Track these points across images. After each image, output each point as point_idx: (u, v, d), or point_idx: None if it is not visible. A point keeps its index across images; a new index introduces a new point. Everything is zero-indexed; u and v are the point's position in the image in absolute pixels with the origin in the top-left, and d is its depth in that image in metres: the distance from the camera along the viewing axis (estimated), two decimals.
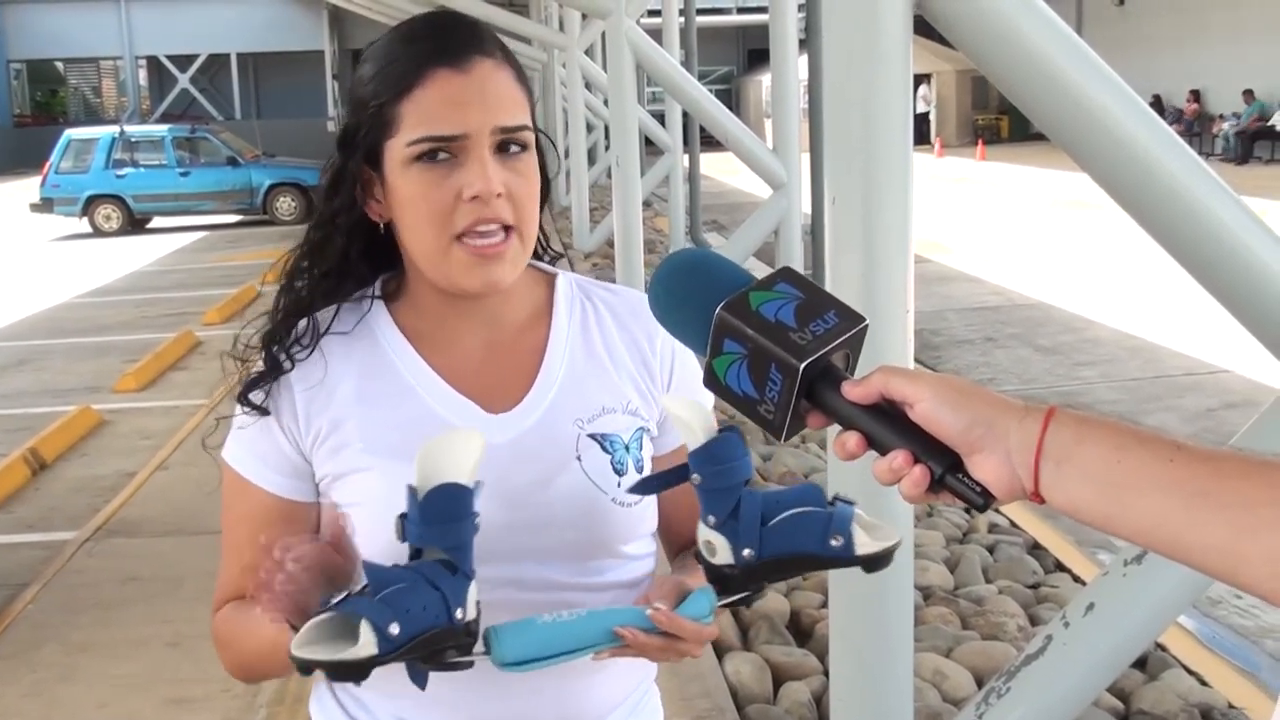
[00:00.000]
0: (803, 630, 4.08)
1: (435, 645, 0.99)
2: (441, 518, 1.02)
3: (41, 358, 9.44)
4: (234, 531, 1.30)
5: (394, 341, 1.28)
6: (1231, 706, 3.57)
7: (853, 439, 0.89)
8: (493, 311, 1.29)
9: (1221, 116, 23.96)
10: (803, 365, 0.88)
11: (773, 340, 0.90)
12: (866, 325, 0.93)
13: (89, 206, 18.59)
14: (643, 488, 1.14)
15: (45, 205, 18.59)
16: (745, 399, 0.92)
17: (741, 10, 37.91)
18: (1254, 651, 4.15)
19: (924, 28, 2.20)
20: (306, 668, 0.96)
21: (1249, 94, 23.55)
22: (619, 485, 1.25)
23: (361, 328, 1.28)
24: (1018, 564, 4.65)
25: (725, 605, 1.08)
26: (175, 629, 4.28)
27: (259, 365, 1.27)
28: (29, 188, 20.45)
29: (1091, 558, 4.84)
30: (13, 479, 6.11)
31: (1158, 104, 24.71)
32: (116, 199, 18.67)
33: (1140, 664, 3.78)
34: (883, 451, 0.88)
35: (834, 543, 1.02)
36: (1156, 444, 0.79)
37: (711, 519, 1.05)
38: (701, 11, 18.32)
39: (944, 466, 0.86)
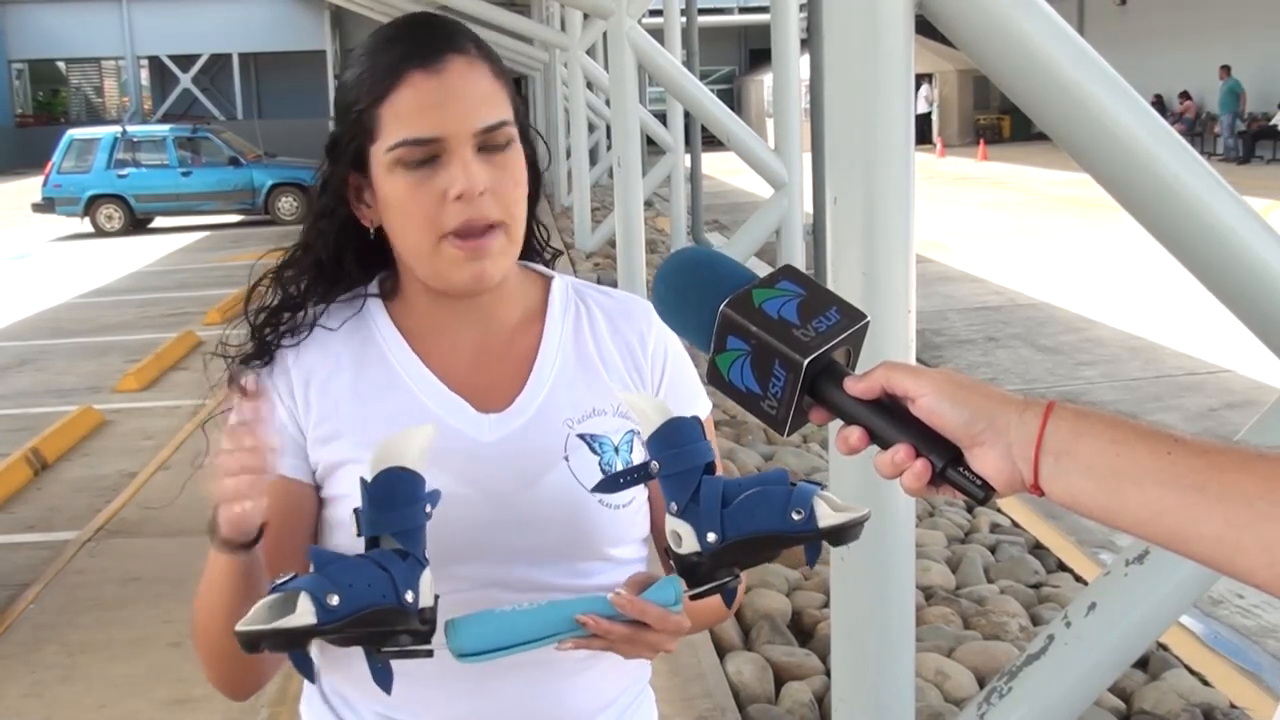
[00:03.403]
0: (804, 630, 4.07)
1: (383, 624, 1.00)
2: (388, 502, 1.03)
3: (43, 358, 9.45)
4: None
5: (390, 338, 1.29)
6: (1233, 706, 3.57)
7: (855, 433, 0.91)
8: (487, 312, 1.29)
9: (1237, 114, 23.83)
10: (806, 361, 0.90)
11: (776, 337, 0.91)
12: (868, 322, 0.95)
13: (91, 206, 18.60)
14: (606, 486, 1.13)
15: (47, 205, 18.61)
16: (749, 395, 0.93)
17: (743, 10, 37.92)
18: (1256, 651, 4.14)
19: (925, 27, 2.20)
20: (250, 641, 0.98)
21: (1225, 70, 23.44)
22: None
23: (358, 324, 1.29)
24: (1019, 564, 4.65)
25: (697, 595, 1.06)
26: (176, 629, 4.27)
27: (248, 350, 1.28)
28: (31, 188, 20.46)
29: (1093, 558, 4.83)
30: (14, 479, 6.12)
31: (1159, 103, 24.69)
32: (118, 199, 18.68)
33: (1142, 664, 3.78)
34: (885, 446, 0.90)
35: (795, 517, 1.01)
36: (1154, 438, 0.81)
37: (674, 506, 1.05)
38: (703, 11, 18.32)
39: (945, 460, 0.87)
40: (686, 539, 1.04)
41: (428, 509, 1.05)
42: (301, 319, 1.28)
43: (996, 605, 4.18)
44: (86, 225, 18.69)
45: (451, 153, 1.18)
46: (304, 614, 0.97)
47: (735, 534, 1.03)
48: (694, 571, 1.05)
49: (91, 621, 4.44)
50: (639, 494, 1.29)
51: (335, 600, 0.97)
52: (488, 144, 1.20)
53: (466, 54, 1.22)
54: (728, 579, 1.05)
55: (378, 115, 1.19)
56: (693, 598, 1.07)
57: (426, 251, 1.21)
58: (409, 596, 1.00)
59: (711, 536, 1.03)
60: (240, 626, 0.98)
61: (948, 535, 4.95)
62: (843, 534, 1.02)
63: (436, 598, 1.03)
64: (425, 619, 1.01)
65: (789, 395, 0.91)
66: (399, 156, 1.18)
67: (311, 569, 1.01)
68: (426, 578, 1.02)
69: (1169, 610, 2.24)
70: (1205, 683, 3.74)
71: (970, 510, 5.29)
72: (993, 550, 4.84)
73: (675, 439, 1.06)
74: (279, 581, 1.01)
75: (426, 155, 1.18)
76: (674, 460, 1.05)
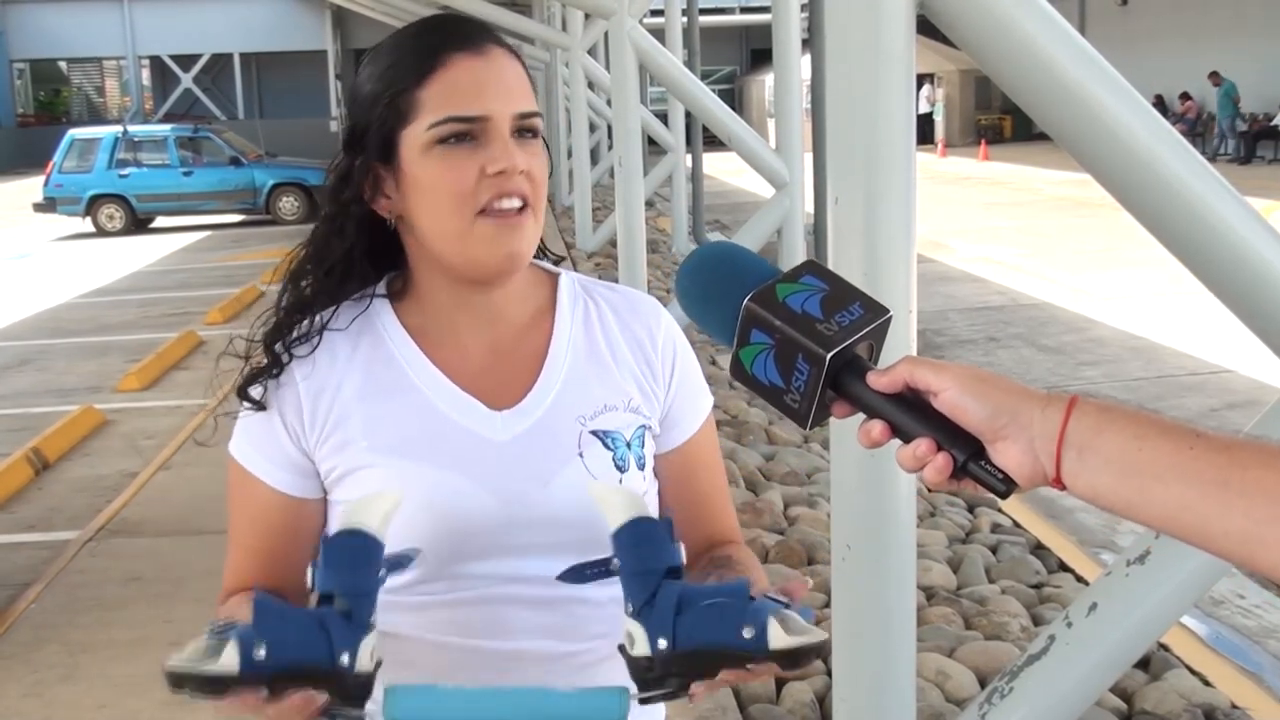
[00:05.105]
0: None
1: (310, 684, 0.97)
2: (341, 563, 1.02)
3: (44, 357, 9.45)
4: (239, 526, 1.32)
5: (399, 339, 1.29)
6: (1234, 707, 3.57)
7: (877, 427, 0.92)
8: (497, 309, 1.30)
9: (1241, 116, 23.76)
10: (830, 355, 0.91)
11: (800, 331, 0.92)
12: (891, 317, 0.95)
13: (92, 206, 18.59)
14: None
15: (48, 205, 18.60)
16: (771, 389, 0.94)
17: (744, 10, 37.88)
18: (1257, 652, 4.14)
19: (927, 27, 2.19)
20: (175, 680, 0.98)
21: (1215, 76, 23.38)
22: (620, 482, 1.25)
23: (366, 325, 1.29)
24: (1020, 564, 4.64)
25: (646, 700, 1.04)
26: (177, 629, 4.27)
27: (260, 361, 1.28)
28: (32, 187, 20.47)
29: (1094, 558, 4.83)
30: (15, 479, 6.11)
31: (1160, 104, 24.66)
32: (119, 199, 18.67)
33: (1143, 664, 3.78)
34: (906, 440, 0.90)
35: (746, 634, 0.99)
36: (1177, 433, 0.81)
37: (630, 606, 1.03)
38: (704, 11, 18.30)
39: (967, 454, 0.88)
40: (639, 642, 1.02)
41: (382, 573, 1.04)
42: (311, 324, 1.28)
43: (998, 605, 4.18)
44: (88, 225, 18.69)
45: (492, 133, 1.20)
46: (228, 662, 0.96)
47: (685, 644, 1.01)
48: (644, 676, 1.03)
49: (92, 621, 4.44)
50: (651, 488, 1.30)
51: (262, 653, 0.96)
52: (523, 130, 1.23)
53: (504, 47, 1.25)
54: (675, 689, 1.03)
55: (416, 97, 1.21)
56: (641, 702, 1.05)
57: (459, 231, 1.21)
58: (344, 659, 0.98)
59: (662, 643, 1.01)
60: (169, 664, 0.97)
61: (949, 535, 4.94)
62: (796, 658, 0.99)
63: (378, 663, 1.02)
64: (360, 682, 0.99)
65: (812, 389, 0.92)
66: (440, 134, 1.20)
67: (251, 615, 0.99)
68: (368, 642, 1.01)
69: (1170, 610, 2.24)
70: (1206, 683, 3.74)
71: (971, 510, 5.29)
72: (994, 550, 4.83)
73: (639, 538, 1.05)
74: (218, 625, 0.99)
75: (468, 133, 1.20)
76: (634, 560, 1.04)
